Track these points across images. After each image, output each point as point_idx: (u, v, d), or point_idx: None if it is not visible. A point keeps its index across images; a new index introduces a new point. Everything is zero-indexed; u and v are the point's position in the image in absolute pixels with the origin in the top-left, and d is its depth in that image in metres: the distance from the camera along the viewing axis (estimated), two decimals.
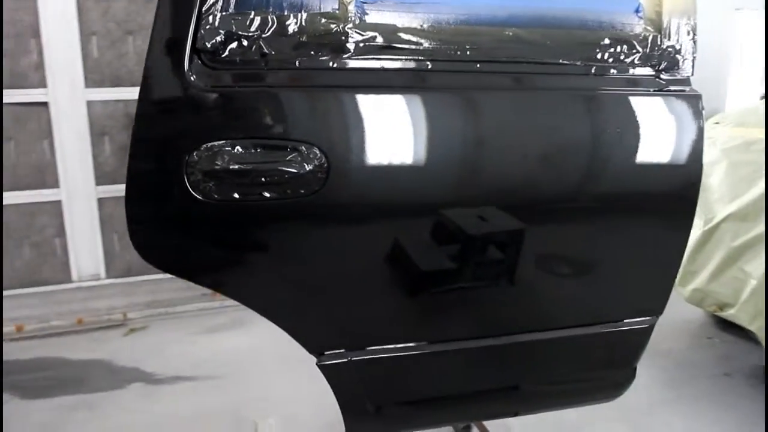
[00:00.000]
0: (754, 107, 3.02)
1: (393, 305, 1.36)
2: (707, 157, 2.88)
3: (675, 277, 1.57)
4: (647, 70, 1.39)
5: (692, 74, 1.40)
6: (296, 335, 1.33)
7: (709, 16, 4.98)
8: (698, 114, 1.40)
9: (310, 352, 1.37)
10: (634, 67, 1.38)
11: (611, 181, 1.40)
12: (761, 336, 2.53)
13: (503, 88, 1.33)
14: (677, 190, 1.45)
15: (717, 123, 2.97)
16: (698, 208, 2.87)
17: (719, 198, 2.75)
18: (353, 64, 1.23)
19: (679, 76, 1.40)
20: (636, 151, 1.39)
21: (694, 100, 1.41)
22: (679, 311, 3.42)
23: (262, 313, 1.29)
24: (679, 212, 1.47)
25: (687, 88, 1.42)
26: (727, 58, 5.25)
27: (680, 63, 1.40)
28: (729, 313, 2.70)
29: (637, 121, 1.38)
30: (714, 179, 2.81)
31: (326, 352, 1.36)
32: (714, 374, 3.10)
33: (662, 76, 1.39)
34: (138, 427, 2.75)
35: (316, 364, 1.38)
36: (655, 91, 1.39)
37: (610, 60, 1.35)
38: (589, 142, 1.38)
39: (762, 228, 2.51)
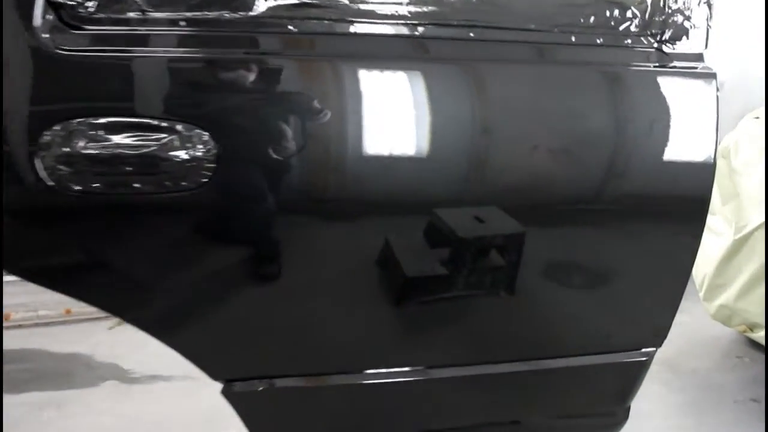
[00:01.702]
0: None
1: (310, 324, 1.10)
2: (743, 157, 2.54)
3: (679, 299, 1.27)
4: (646, 41, 1.09)
5: (706, 47, 1.10)
6: (193, 359, 1.08)
7: None
8: (711, 96, 1.10)
9: (214, 379, 1.12)
10: (628, 37, 1.08)
11: (593, 182, 1.11)
12: None
13: (443, 58, 1.04)
14: (681, 193, 1.16)
15: (757, 117, 2.60)
16: (729, 215, 2.55)
17: (754, 203, 2.40)
18: (257, 26, 0.97)
19: (688, 50, 1.10)
20: (630, 143, 1.10)
21: (705, 80, 1.10)
22: (707, 326, 3.08)
23: (149, 332, 1.05)
24: (683, 221, 1.17)
25: (699, 65, 1.11)
26: None
27: (689, 33, 1.09)
28: (759, 335, 2.36)
29: (630, 104, 1.09)
30: (749, 182, 2.46)
31: (233, 380, 1.12)
32: (740, 399, 2.76)
33: (665, 49, 1.09)
34: (99, 430, 2.57)
35: (221, 392, 1.13)
36: (655, 67, 1.09)
37: (597, 26, 1.06)
38: (570, 131, 1.09)
39: None
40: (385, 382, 1.16)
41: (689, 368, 3.01)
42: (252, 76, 0.96)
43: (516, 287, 1.15)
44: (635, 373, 1.30)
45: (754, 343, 3.17)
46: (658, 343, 1.29)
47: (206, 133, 0.93)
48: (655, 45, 1.09)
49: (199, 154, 0.93)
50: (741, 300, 2.42)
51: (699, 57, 1.11)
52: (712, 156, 1.13)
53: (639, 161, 1.11)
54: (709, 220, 2.78)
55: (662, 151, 1.12)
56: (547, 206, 1.12)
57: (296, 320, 1.09)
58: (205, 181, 0.94)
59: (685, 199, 1.18)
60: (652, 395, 2.76)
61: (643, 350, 1.27)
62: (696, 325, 3.21)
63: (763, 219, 2.32)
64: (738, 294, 2.43)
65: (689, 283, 1.26)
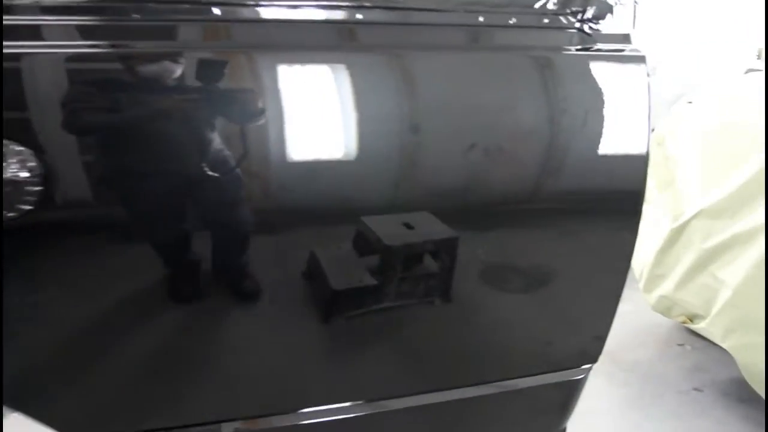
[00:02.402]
0: (735, 82, 2.58)
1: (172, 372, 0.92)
2: (679, 144, 2.46)
3: (616, 307, 1.14)
4: (566, 21, 0.95)
5: (634, 27, 0.96)
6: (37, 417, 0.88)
7: None
8: (641, 81, 0.97)
9: None
10: (545, 16, 0.93)
11: (514, 179, 0.97)
12: (735, 355, 2.12)
13: (324, 46, 0.87)
14: (612, 188, 1.03)
15: (690, 102, 2.53)
16: (666, 203, 2.48)
17: (690, 191, 2.33)
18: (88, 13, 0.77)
19: (613, 31, 0.96)
20: (552, 135, 0.96)
21: (634, 63, 0.97)
22: (647, 315, 3.03)
23: None
24: (616, 217, 1.05)
25: (626, 47, 0.98)
26: (710, 24, 4.78)
27: (614, 11, 0.95)
28: (699, 326, 2.30)
29: (551, 93, 0.95)
30: (685, 169, 2.38)
31: None
32: (683, 390, 2.71)
33: (587, 29, 0.95)
34: None
35: None
36: (577, 50, 0.94)
37: (509, 5, 0.90)
38: (483, 126, 0.94)
39: (739, 228, 2.09)
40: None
41: (631, 359, 2.96)
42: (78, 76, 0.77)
43: (449, 297, 1.03)
44: (572, 393, 1.17)
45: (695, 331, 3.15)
46: (595, 358, 1.16)
47: (29, 151, 0.74)
48: (577, 25, 0.95)
49: (22, 175, 0.74)
50: (680, 290, 2.35)
51: (626, 38, 0.98)
52: (645, 146, 1.01)
53: (563, 155, 0.97)
54: (647, 209, 2.72)
55: (589, 144, 0.99)
56: (465, 206, 0.98)
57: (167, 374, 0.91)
58: (28, 208, 0.74)
59: (618, 194, 1.05)
60: (595, 390, 2.69)
61: (582, 367, 1.14)
62: (636, 314, 3.16)
63: (697, 208, 2.24)
64: (677, 284, 2.36)
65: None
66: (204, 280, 0.89)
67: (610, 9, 0.95)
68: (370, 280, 0.98)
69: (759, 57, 3.84)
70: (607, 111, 0.98)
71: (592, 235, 1.09)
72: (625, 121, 0.99)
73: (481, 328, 1.10)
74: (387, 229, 0.95)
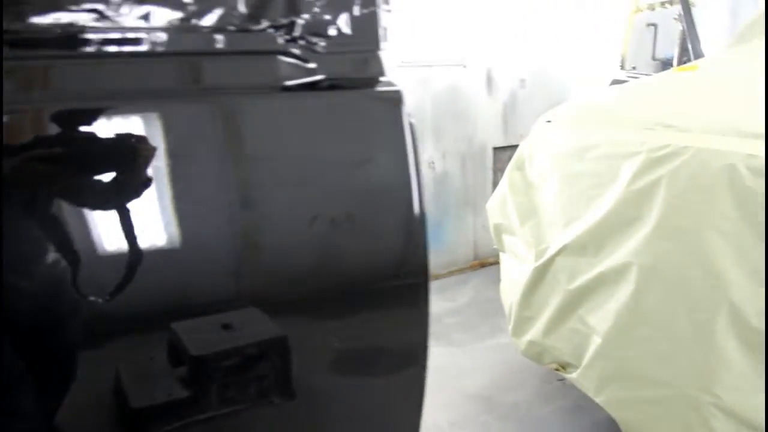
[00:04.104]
0: (593, 100, 2.33)
1: None
2: (538, 167, 2.19)
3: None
4: (264, 39, 0.57)
5: (379, 48, 0.60)
6: None
7: None
8: (395, 123, 0.61)
9: None
10: (224, 32, 0.55)
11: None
12: (611, 412, 1.85)
13: None
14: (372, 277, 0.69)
15: (549, 121, 2.26)
16: (529, 236, 2.20)
17: (552, 222, 2.06)
18: None
19: (347, 56, 0.60)
20: (269, 202, 0.60)
21: (383, 104, 0.61)
22: None
23: None
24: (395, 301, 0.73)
25: (370, 77, 0.62)
26: (574, 37, 4.69)
27: (343, 29, 0.59)
28: (572, 376, 2.02)
29: (251, 146, 0.57)
30: (545, 197, 2.11)
31: None
32: None
33: (300, 53, 0.58)
34: None
35: None
36: (283, 88, 0.57)
37: (194, 24, 0.52)
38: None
39: (605, 266, 1.82)
40: None
41: (509, 402, 2.68)
42: None
43: (290, 394, 0.88)
44: None
45: None
46: None
47: None
48: (283, 46, 0.57)
49: None
50: (549, 336, 2.07)
51: (370, 65, 0.61)
52: (412, 209, 0.66)
53: (281, 228, 0.62)
54: (512, 241, 2.44)
55: (322, 210, 0.63)
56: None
57: None
58: None
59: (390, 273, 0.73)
60: None
61: None
62: (511, 349, 2.90)
63: (561, 243, 1.97)
64: (546, 329, 2.07)
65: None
66: None
67: (334, 19, 0.58)
68: (180, 393, 0.86)
69: (623, 67, 3.72)
70: (340, 169, 0.62)
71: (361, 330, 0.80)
72: (370, 180, 0.64)
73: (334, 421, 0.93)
74: (198, 334, 0.83)
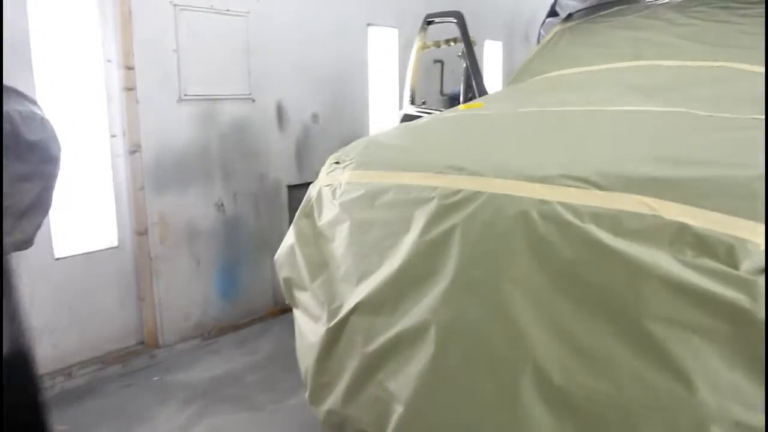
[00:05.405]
0: (381, 140, 2.16)
1: None
2: (328, 214, 1.96)
3: None
4: None
5: None
6: None
7: (343, 32, 4.32)
8: None
9: None
10: None
11: None
12: None
13: None
14: None
15: (337, 163, 2.06)
16: (320, 293, 1.94)
17: (344, 277, 1.83)
18: None
19: None
20: None
21: None
22: None
23: None
24: None
25: None
26: (366, 77, 4.68)
27: None
28: None
29: None
30: (336, 248, 1.88)
31: None
32: None
33: None
34: None
35: None
36: None
37: None
38: None
39: (402, 326, 1.63)
40: None
41: None
42: None
43: None
44: None
45: None
46: None
47: None
48: None
49: None
50: (349, 404, 1.83)
51: None
52: None
53: None
54: (304, 298, 2.16)
55: None
56: None
57: None
58: None
59: None
60: None
61: None
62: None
63: (354, 300, 1.75)
64: (345, 397, 1.83)
65: None
66: None
67: None
68: None
69: (413, 102, 3.71)
70: None
71: None
72: None
73: None
74: None
